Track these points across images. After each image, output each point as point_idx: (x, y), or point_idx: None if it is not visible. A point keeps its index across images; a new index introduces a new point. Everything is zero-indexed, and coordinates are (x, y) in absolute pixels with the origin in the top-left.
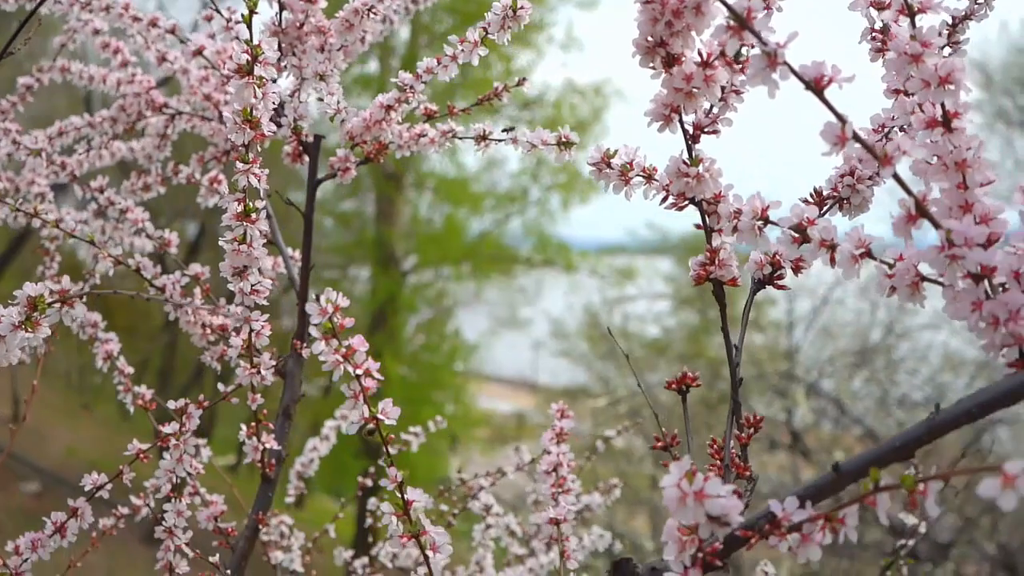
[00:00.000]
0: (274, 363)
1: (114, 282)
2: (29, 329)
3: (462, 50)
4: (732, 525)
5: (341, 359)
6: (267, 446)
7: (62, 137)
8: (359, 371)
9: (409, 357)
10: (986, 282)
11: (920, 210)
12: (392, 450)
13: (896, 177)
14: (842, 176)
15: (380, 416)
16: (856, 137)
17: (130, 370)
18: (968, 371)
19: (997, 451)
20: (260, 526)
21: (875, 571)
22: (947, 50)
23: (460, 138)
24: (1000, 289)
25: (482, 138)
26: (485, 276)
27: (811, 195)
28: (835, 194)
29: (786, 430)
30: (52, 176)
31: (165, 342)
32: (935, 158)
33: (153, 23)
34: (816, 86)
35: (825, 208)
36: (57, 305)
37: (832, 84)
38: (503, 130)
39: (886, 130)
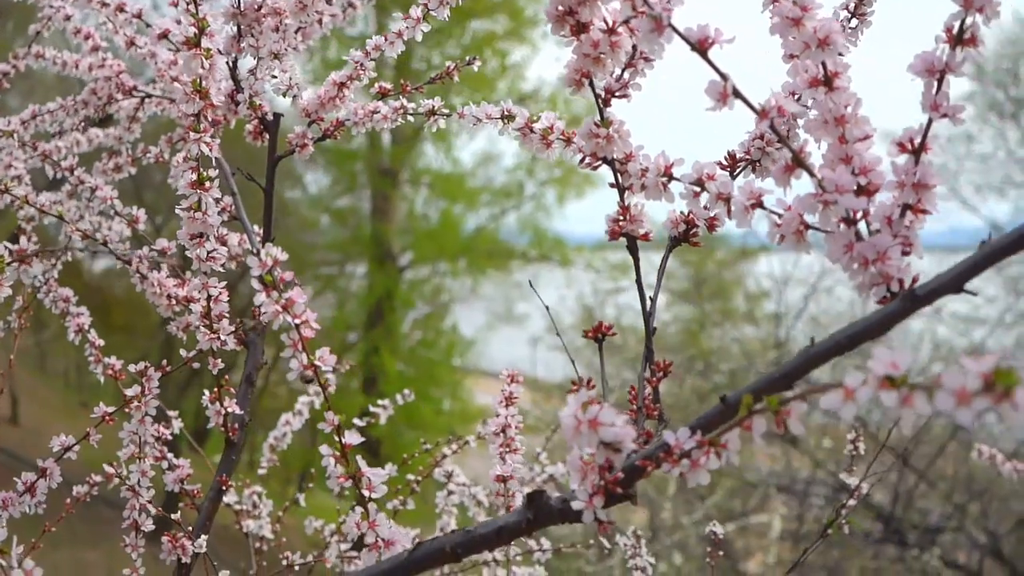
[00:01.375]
0: (233, 329)
1: (111, 279)
2: None
3: (407, 27)
4: (625, 451)
5: (281, 309)
6: (230, 411)
7: (35, 120)
8: (298, 321)
9: (406, 353)
10: (863, 226)
11: (797, 161)
12: (329, 391)
13: (774, 130)
14: (753, 139)
15: (317, 363)
16: (736, 93)
17: (101, 342)
18: (956, 359)
19: (982, 437)
20: (224, 487)
21: (863, 561)
22: (854, 21)
23: (411, 114)
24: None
25: (431, 113)
26: (481, 272)
27: (724, 158)
28: (747, 157)
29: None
30: (28, 161)
31: (162, 340)
32: (819, 114)
33: (120, 8)
34: (701, 47)
35: (738, 170)
36: (15, 264)
37: (714, 45)
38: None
39: (796, 96)
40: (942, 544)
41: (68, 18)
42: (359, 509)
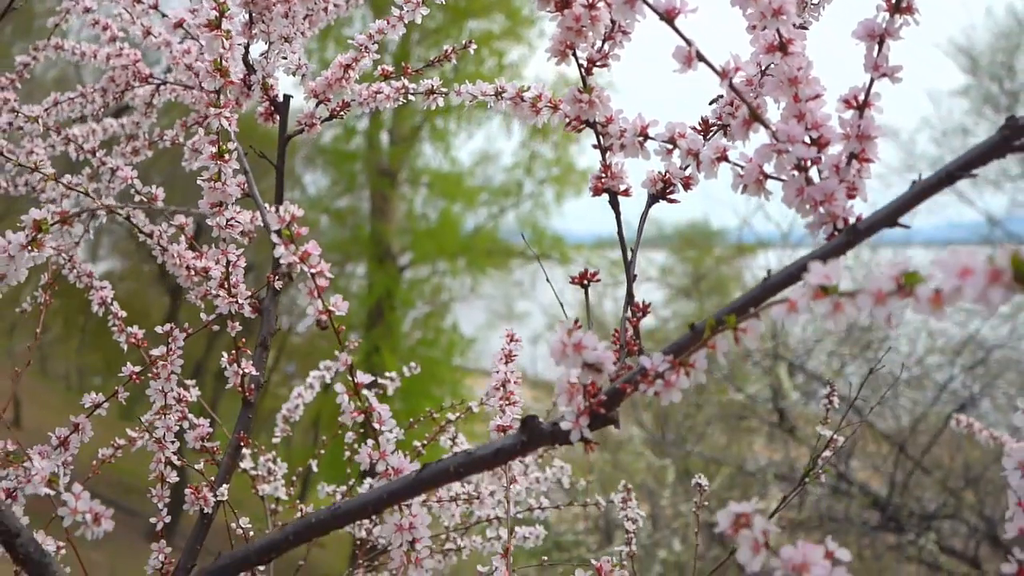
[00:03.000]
0: (250, 294)
1: (111, 282)
2: (34, 248)
3: (407, 10)
4: (606, 372)
5: (298, 260)
6: (247, 372)
7: (57, 107)
8: (314, 270)
9: (407, 352)
10: (815, 173)
11: (754, 115)
12: (344, 341)
13: (733, 89)
14: (724, 106)
15: (332, 308)
16: (699, 56)
17: (123, 314)
18: (952, 348)
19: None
20: (241, 444)
21: (860, 548)
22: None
23: (412, 94)
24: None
25: (431, 92)
26: (481, 270)
27: (698, 122)
28: (719, 122)
29: (773, 408)
30: (49, 149)
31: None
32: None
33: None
34: (668, 16)
35: (711, 133)
36: (58, 225)
37: (680, 14)
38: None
39: (759, 64)
40: (938, 530)
41: (87, 10)
42: (370, 441)
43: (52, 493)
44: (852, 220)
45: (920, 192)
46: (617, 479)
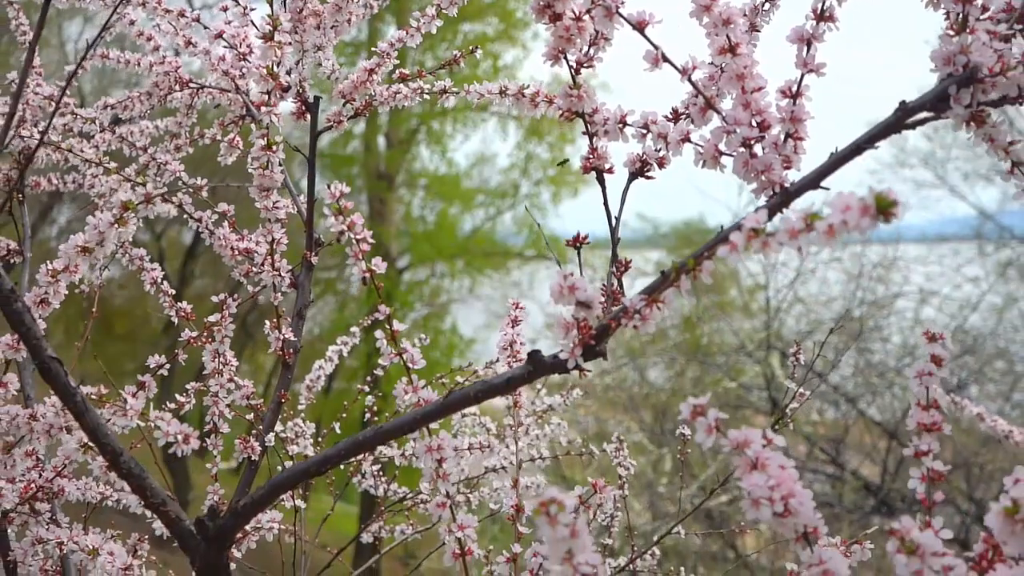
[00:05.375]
0: (291, 268)
1: (112, 289)
2: (121, 226)
3: (424, 22)
4: (595, 309)
5: (346, 228)
6: (286, 337)
7: (107, 110)
8: (358, 237)
9: None
10: (758, 149)
11: (708, 104)
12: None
13: (692, 83)
14: (690, 98)
15: (373, 267)
16: (664, 58)
17: (172, 291)
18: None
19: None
20: (282, 400)
21: (853, 531)
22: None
23: (427, 94)
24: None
25: (443, 92)
26: (479, 271)
27: (670, 111)
28: (686, 111)
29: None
30: (103, 146)
31: (165, 347)
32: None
33: (181, 14)
34: (640, 27)
35: (680, 121)
36: (144, 204)
37: (649, 25)
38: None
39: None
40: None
41: (132, 23)
42: (404, 379)
43: (143, 424)
44: (787, 185)
45: (835, 161)
46: (615, 471)
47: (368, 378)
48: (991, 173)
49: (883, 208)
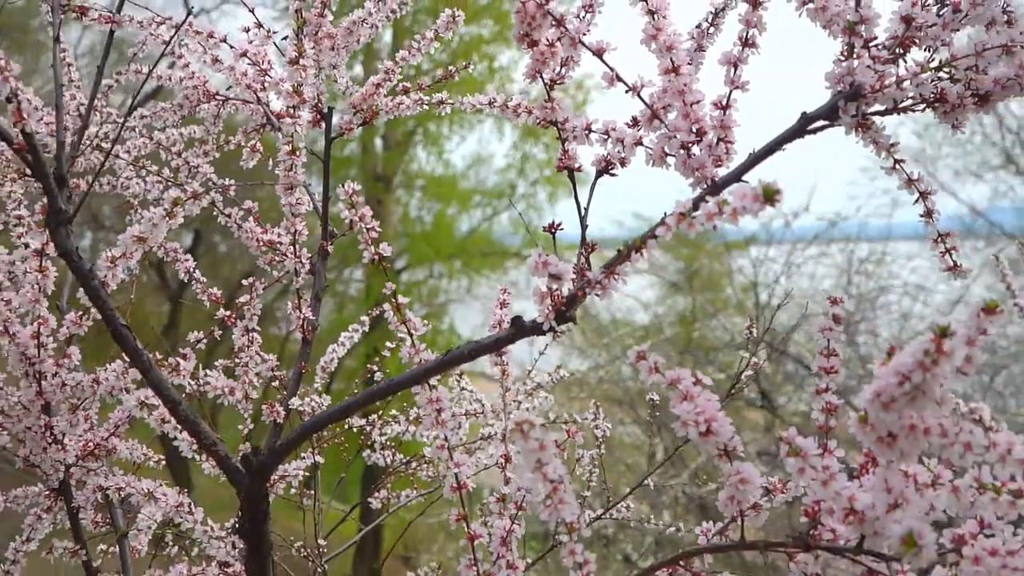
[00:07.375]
0: (310, 255)
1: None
2: (171, 219)
3: (424, 44)
4: (565, 281)
5: (357, 220)
6: (307, 316)
7: (143, 120)
8: (368, 226)
9: None
10: (696, 150)
11: (654, 114)
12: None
13: (640, 98)
14: (643, 110)
15: (381, 251)
16: (618, 78)
17: (204, 280)
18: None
19: (1005, 392)
20: (302, 371)
21: None
22: (711, 29)
23: (427, 105)
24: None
25: (442, 102)
26: (476, 272)
27: (630, 119)
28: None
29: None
30: (143, 147)
31: (166, 348)
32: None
33: (210, 35)
34: (598, 53)
35: (639, 127)
36: (190, 200)
37: (606, 51)
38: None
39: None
40: None
41: (166, 43)
42: (408, 342)
43: (195, 384)
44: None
45: (752, 160)
46: (609, 464)
47: (371, 365)
48: (981, 170)
49: (769, 196)
